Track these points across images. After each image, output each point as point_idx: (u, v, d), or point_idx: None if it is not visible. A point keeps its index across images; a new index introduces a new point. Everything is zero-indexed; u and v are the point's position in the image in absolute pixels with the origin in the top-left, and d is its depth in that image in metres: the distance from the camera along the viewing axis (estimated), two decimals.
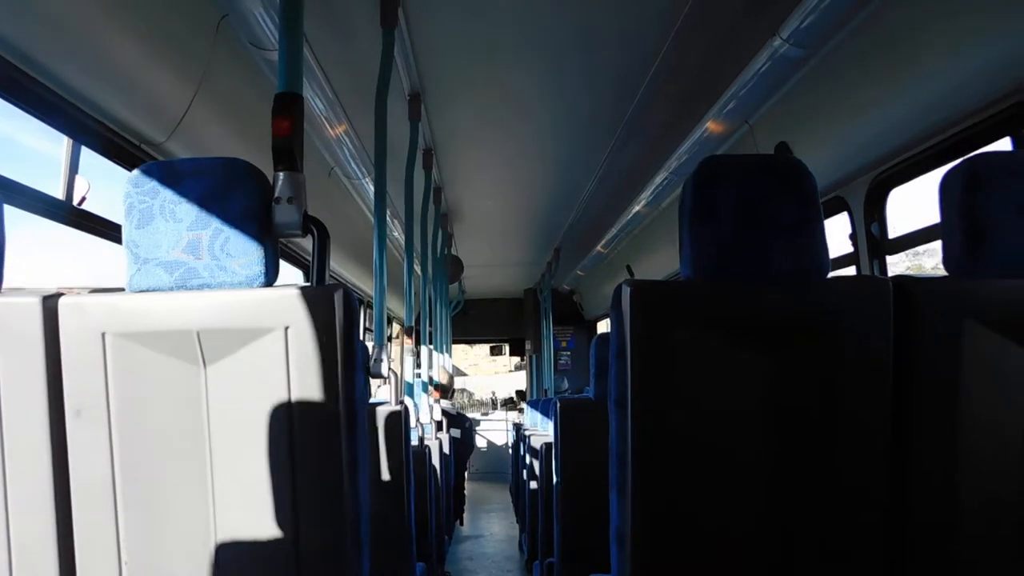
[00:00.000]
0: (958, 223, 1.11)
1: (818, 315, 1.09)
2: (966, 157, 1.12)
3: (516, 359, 9.79)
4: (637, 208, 4.53)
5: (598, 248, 5.96)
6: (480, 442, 8.50)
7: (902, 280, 1.09)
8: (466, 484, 5.57)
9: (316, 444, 1.01)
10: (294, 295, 1.03)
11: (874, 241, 2.48)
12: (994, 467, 1.08)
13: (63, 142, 1.88)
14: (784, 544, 1.09)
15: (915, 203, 2.43)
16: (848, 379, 1.08)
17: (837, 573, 1.09)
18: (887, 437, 1.08)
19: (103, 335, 1.02)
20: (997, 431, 1.09)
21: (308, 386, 1.01)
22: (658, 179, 3.91)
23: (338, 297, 1.02)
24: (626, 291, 1.10)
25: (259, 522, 1.02)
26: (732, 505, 1.10)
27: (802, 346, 1.08)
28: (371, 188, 3.63)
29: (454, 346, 7.70)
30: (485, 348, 10.58)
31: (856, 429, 1.08)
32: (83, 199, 1.92)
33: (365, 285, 4.97)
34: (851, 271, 2.60)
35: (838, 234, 2.64)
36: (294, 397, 1.01)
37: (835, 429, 1.08)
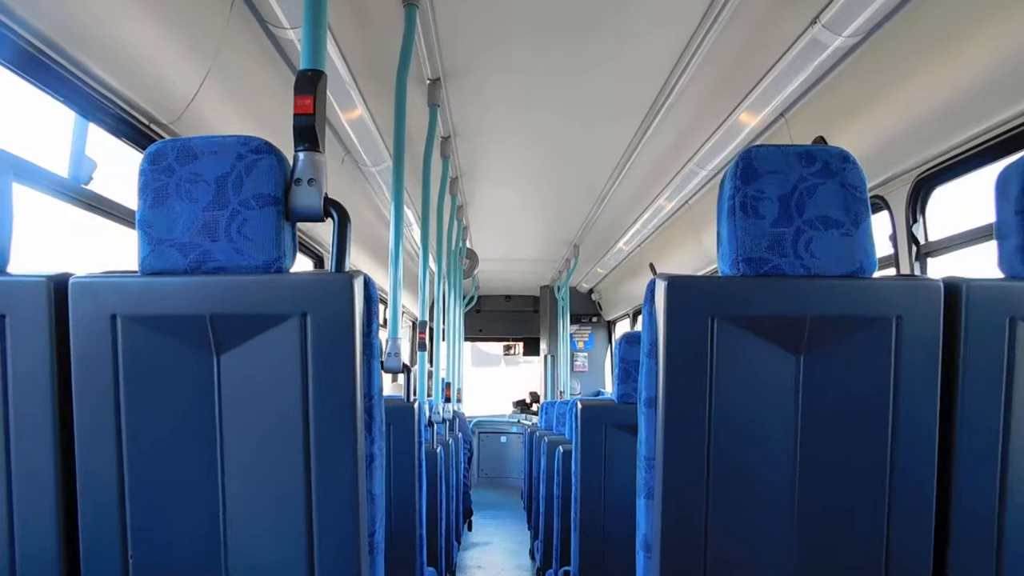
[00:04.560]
0: (1014, 221, 1.08)
1: (865, 315, 1.06)
2: None
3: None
4: (661, 203, 4.47)
5: (620, 245, 5.93)
6: (488, 445, 8.41)
7: (953, 281, 1.06)
8: (473, 488, 5.53)
9: (332, 437, 0.99)
10: (313, 281, 1.02)
11: (917, 243, 2.38)
12: None
13: (71, 120, 1.85)
14: (823, 554, 1.07)
15: (958, 204, 2.33)
16: (894, 381, 1.06)
17: None
18: (933, 440, 1.06)
19: (113, 317, 1.00)
20: None
21: (325, 376, 0.99)
22: (685, 173, 3.86)
23: (358, 284, 1.00)
24: (661, 286, 1.08)
25: (270, 518, 1.01)
26: (767, 511, 1.07)
27: (846, 346, 1.07)
28: (386, 176, 3.58)
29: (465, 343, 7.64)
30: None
31: (901, 432, 1.06)
32: (90, 179, 1.88)
33: (377, 278, 4.93)
34: (890, 274, 2.49)
35: (876, 235, 2.54)
36: (311, 387, 0.99)
37: (879, 432, 1.06)
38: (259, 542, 1.01)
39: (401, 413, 2.04)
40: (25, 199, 1.67)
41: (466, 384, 7.38)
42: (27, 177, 1.65)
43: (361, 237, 4.32)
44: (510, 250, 6.91)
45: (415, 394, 2.55)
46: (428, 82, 3.03)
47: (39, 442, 1.00)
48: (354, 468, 0.99)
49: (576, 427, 2.16)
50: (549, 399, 7.93)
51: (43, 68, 1.63)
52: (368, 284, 1.03)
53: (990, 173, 2.01)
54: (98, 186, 1.90)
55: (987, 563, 1.05)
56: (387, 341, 2.34)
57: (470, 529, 5.31)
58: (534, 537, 4.43)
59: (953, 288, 1.05)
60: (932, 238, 2.38)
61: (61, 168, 1.81)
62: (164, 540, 1.01)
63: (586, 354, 8.75)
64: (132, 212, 1.05)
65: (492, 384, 9.48)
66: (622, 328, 8.22)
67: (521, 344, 9.27)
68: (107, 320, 1.00)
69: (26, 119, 1.87)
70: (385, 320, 4.51)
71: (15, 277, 1.02)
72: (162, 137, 2.08)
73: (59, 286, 1.01)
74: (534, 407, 8.65)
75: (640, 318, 1.14)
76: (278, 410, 1.00)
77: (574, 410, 2.19)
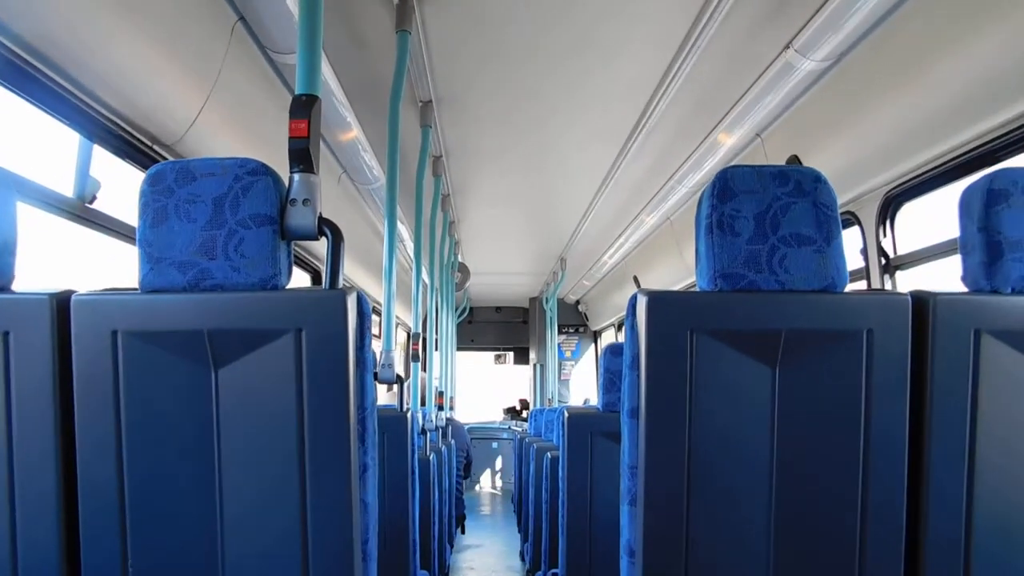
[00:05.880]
0: (977, 238, 1.11)
1: (837, 328, 1.09)
2: (987, 172, 1.11)
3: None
4: (644, 219, 4.54)
5: (604, 258, 5.98)
6: (480, 450, 8.47)
7: (920, 295, 1.09)
8: (465, 492, 5.57)
9: (327, 449, 1.01)
10: (308, 298, 1.03)
11: (886, 256, 2.46)
12: (1010, 484, 1.08)
13: (75, 140, 1.89)
14: (799, 558, 1.09)
15: (926, 219, 2.43)
16: (865, 393, 1.08)
17: None
18: (903, 447, 1.08)
19: (114, 333, 1.02)
20: (1013, 447, 1.08)
21: (320, 390, 1.01)
22: (666, 190, 3.92)
23: (351, 300, 1.02)
24: (642, 301, 1.10)
25: (267, 527, 1.02)
26: (745, 518, 1.09)
27: (819, 359, 1.09)
28: (380, 193, 3.64)
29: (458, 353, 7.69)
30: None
31: (873, 441, 1.08)
32: (94, 198, 1.93)
33: (372, 292, 4.98)
34: (860, 287, 2.58)
35: (847, 249, 2.62)
36: (305, 400, 1.00)
37: (851, 440, 1.08)
38: (255, 551, 1.02)
39: (395, 422, 2.05)
40: (31, 218, 1.71)
41: (458, 392, 7.43)
42: (31, 196, 1.67)
43: (357, 252, 4.32)
44: (500, 264, 6.92)
45: (408, 403, 2.61)
46: (420, 104, 3.06)
47: (42, 455, 1.01)
48: (347, 478, 1.01)
49: (563, 434, 2.18)
50: (538, 406, 8.00)
51: (49, 92, 1.65)
52: (361, 300, 1.04)
53: (955, 191, 2.09)
54: (102, 204, 1.94)
55: (957, 564, 1.07)
56: (381, 353, 2.39)
57: (463, 532, 5.28)
58: (524, 540, 4.42)
59: (921, 301, 1.08)
60: (900, 252, 2.45)
61: (66, 188, 1.84)
62: (164, 550, 1.02)
63: (573, 362, 8.84)
64: (133, 229, 1.06)
65: (483, 392, 9.51)
66: (608, 337, 8.31)
67: (511, 353, 9.34)
68: (108, 336, 1.01)
69: (33, 141, 1.91)
70: (379, 332, 4.57)
71: (18, 295, 1.03)
72: (164, 158, 2.08)
73: (61, 303, 1.02)
74: (524, 414, 8.71)
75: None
76: (274, 423, 1.01)
77: (561, 418, 2.22)
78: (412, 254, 3.64)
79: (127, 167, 2.05)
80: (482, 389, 9.49)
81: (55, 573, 1.02)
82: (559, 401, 7.81)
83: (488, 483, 8.66)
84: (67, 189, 1.84)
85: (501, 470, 8.60)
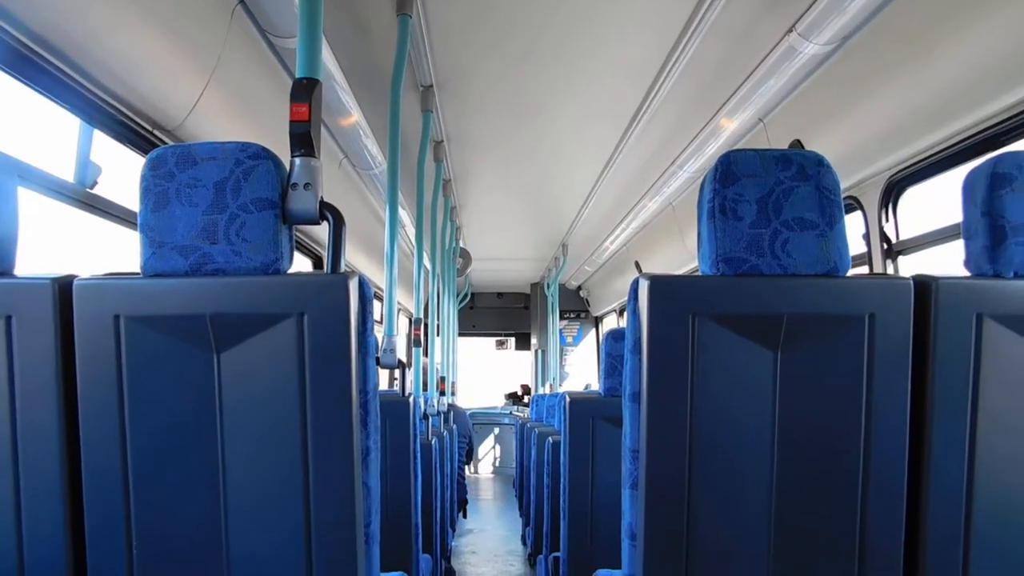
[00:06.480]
0: (981, 222, 1.10)
1: (839, 312, 1.08)
2: (991, 156, 1.11)
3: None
4: (646, 204, 4.53)
5: (606, 243, 5.98)
6: (482, 436, 8.54)
7: (923, 279, 1.08)
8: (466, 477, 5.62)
9: (329, 432, 1.01)
10: (310, 282, 1.03)
11: (888, 241, 2.46)
12: (1011, 467, 1.09)
13: (76, 126, 1.88)
14: (799, 542, 1.09)
15: (928, 205, 2.42)
16: (867, 377, 1.07)
17: (853, 571, 1.09)
18: (905, 431, 1.08)
19: (117, 317, 1.02)
20: (1014, 431, 1.08)
21: (322, 374, 1.01)
22: (668, 175, 3.91)
23: (353, 285, 1.02)
24: (644, 285, 1.10)
25: (270, 510, 1.03)
26: (747, 501, 1.10)
27: (821, 343, 1.08)
28: (381, 180, 3.64)
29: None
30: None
31: (875, 424, 1.08)
32: (95, 183, 1.92)
33: (373, 277, 4.99)
34: (863, 271, 2.58)
35: (849, 234, 2.62)
36: (308, 384, 1.01)
37: (853, 424, 1.08)
38: (258, 533, 1.02)
39: (397, 407, 2.06)
40: (33, 203, 1.72)
41: (459, 378, 7.47)
42: (32, 181, 1.66)
43: (358, 237, 4.32)
44: (501, 249, 6.93)
45: (410, 388, 2.63)
46: (421, 89, 3.06)
47: (45, 438, 1.01)
48: (350, 461, 1.01)
49: (565, 419, 2.19)
50: (539, 392, 8.04)
51: (49, 77, 1.64)
52: (363, 284, 1.05)
53: (957, 176, 2.09)
54: (103, 189, 1.94)
55: (956, 547, 1.07)
56: (383, 338, 2.40)
57: (464, 516, 5.33)
58: (525, 524, 4.45)
59: (923, 286, 1.07)
60: (903, 237, 2.44)
61: (67, 173, 1.84)
62: (167, 533, 1.03)
63: (574, 348, 8.88)
64: (134, 214, 1.05)
65: (485, 378, 9.55)
66: (609, 322, 8.33)
67: (513, 339, 9.37)
68: (110, 320, 1.01)
69: (34, 126, 1.90)
70: (381, 317, 4.58)
71: (20, 279, 1.03)
72: (165, 143, 2.07)
73: (63, 287, 1.02)
74: (525, 399, 8.76)
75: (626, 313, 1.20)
76: (276, 406, 1.01)
77: (563, 403, 2.23)
78: (413, 240, 3.64)
79: (126, 152, 2.04)
80: (483, 375, 9.53)
81: (60, 557, 1.03)
82: (560, 385, 7.86)
83: (490, 468, 8.73)
84: (68, 174, 1.84)
85: (502, 455, 8.66)
